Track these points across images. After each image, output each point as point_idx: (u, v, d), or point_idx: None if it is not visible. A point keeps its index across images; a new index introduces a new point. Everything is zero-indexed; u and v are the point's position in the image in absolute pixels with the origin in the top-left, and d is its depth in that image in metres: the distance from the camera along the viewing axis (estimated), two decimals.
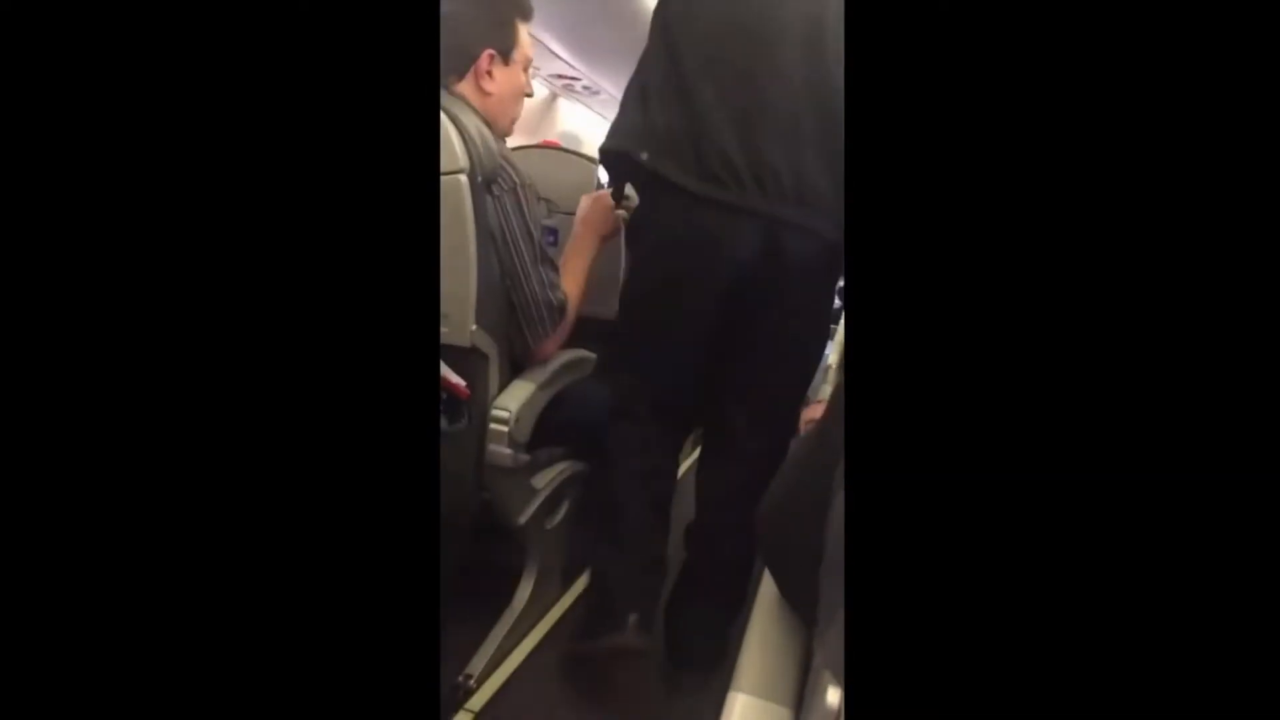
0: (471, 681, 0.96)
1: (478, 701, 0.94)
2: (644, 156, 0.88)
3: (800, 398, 1.04)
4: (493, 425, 0.93)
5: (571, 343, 1.08)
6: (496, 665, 1.01)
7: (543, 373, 1.00)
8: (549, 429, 1.01)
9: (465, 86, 0.95)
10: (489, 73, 0.94)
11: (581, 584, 1.27)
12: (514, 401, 0.94)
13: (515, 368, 1.00)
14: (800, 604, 0.54)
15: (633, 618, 0.92)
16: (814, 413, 1.06)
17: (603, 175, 1.06)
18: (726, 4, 0.88)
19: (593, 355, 1.16)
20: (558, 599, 1.21)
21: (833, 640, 0.33)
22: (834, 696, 0.30)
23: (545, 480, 1.07)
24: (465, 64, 0.94)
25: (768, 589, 0.57)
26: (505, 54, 0.95)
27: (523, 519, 1.01)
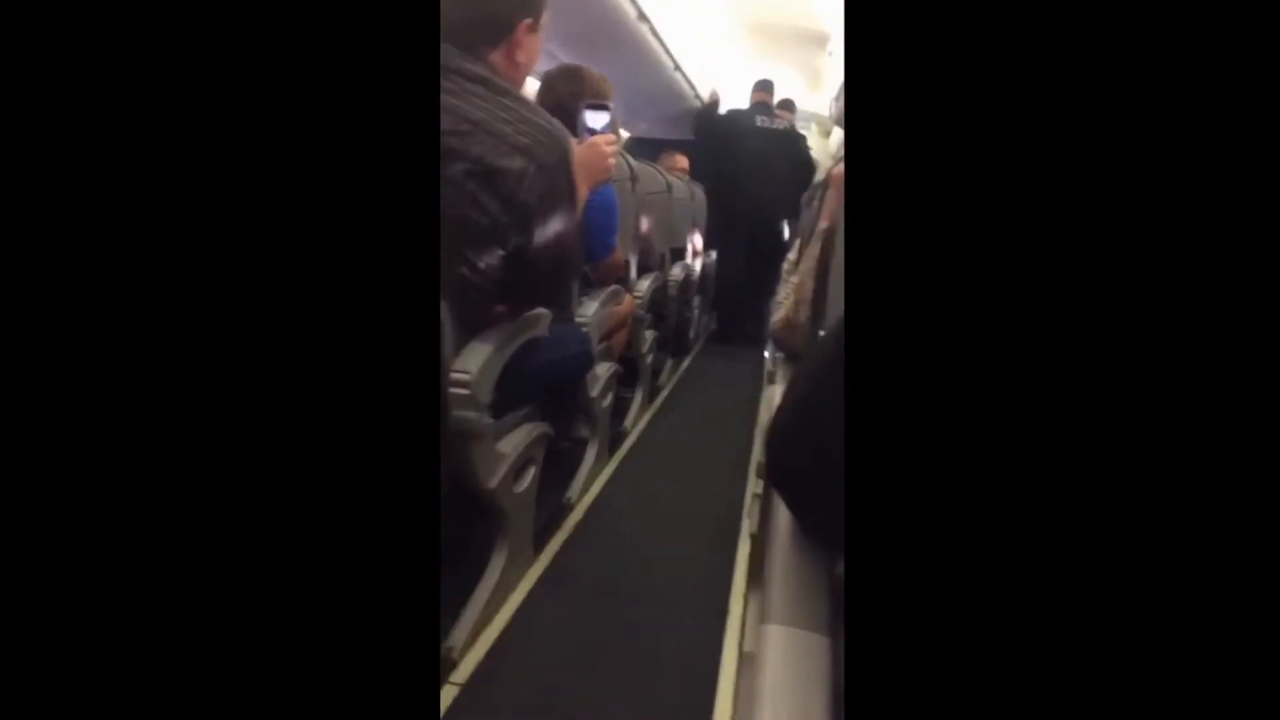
0: (454, 654, 0.92)
1: (462, 674, 0.91)
2: (708, 186, 3.18)
3: (780, 247, 2.55)
4: (454, 390, 0.89)
5: None
6: (476, 636, 0.97)
7: (498, 334, 0.95)
8: (521, 380, 0.97)
9: (498, 57, 0.91)
10: (522, 43, 0.93)
11: (552, 552, 1.25)
12: (474, 363, 0.90)
13: (470, 330, 0.95)
14: (821, 534, 0.54)
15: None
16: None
17: (589, 120, 1.14)
18: (737, 150, 3.22)
19: (548, 313, 1.12)
20: (531, 564, 1.18)
21: None
22: None
23: (511, 445, 1.03)
24: (500, 34, 0.91)
25: (783, 521, 0.57)
26: (536, 23, 0.93)
27: (493, 483, 0.97)
